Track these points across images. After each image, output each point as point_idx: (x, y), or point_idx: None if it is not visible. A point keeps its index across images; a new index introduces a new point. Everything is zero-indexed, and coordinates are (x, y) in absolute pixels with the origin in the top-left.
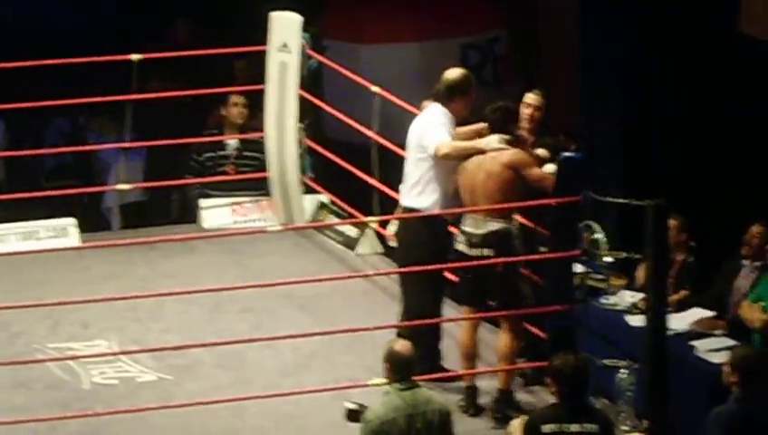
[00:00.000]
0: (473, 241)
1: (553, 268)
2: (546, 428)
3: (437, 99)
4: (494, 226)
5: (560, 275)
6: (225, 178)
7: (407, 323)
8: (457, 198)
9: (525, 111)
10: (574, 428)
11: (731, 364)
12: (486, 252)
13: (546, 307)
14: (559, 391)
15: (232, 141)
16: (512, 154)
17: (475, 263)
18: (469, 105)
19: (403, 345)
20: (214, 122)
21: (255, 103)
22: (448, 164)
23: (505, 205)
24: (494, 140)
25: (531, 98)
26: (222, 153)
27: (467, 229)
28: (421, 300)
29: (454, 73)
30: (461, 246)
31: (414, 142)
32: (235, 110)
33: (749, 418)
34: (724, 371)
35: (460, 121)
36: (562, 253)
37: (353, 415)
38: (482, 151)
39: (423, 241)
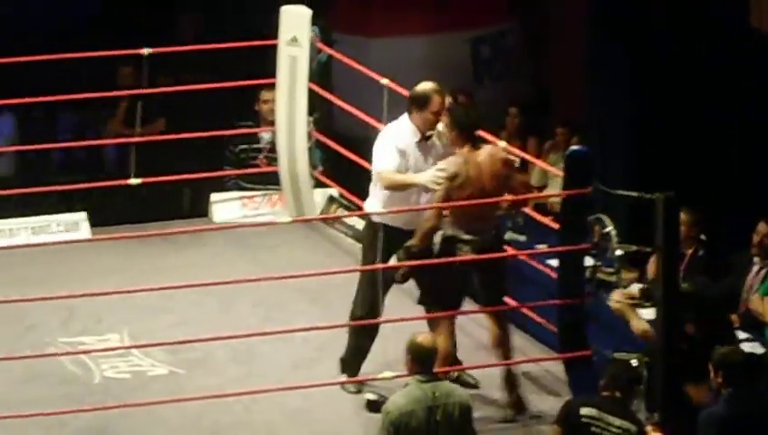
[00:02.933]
0: (483, 247)
1: (564, 262)
2: (585, 410)
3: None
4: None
5: (570, 268)
6: (229, 172)
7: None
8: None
9: None
10: (615, 421)
11: (713, 366)
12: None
13: (558, 300)
14: (611, 391)
15: (266, 135)
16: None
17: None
18: (428, 123)
19: (425, 338)
20: (250, 116)
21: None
22: None
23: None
24: (429, 175)
25: None
26: (256, 146)
27: (470, 237)
28: (357, 300)
29: (419, 87)
30: (466, 254)
31: None
32: (266, 106)
33: (739, 416)
34: (710, 374)
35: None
36: (572, 246)
37: (373, 405)
38: (414, 185)
39: (369, 244)
